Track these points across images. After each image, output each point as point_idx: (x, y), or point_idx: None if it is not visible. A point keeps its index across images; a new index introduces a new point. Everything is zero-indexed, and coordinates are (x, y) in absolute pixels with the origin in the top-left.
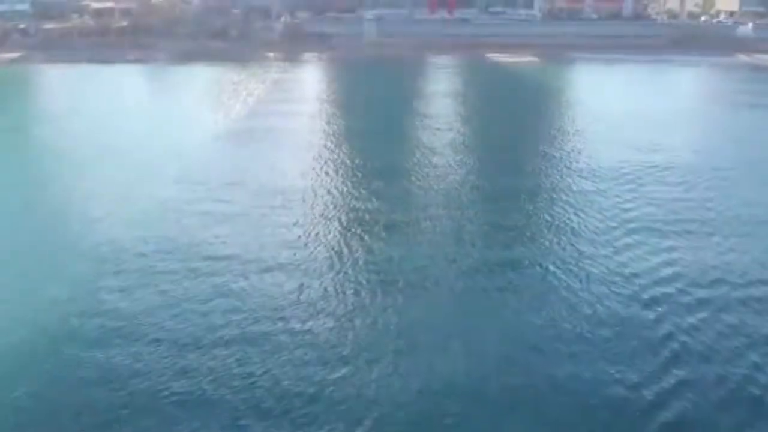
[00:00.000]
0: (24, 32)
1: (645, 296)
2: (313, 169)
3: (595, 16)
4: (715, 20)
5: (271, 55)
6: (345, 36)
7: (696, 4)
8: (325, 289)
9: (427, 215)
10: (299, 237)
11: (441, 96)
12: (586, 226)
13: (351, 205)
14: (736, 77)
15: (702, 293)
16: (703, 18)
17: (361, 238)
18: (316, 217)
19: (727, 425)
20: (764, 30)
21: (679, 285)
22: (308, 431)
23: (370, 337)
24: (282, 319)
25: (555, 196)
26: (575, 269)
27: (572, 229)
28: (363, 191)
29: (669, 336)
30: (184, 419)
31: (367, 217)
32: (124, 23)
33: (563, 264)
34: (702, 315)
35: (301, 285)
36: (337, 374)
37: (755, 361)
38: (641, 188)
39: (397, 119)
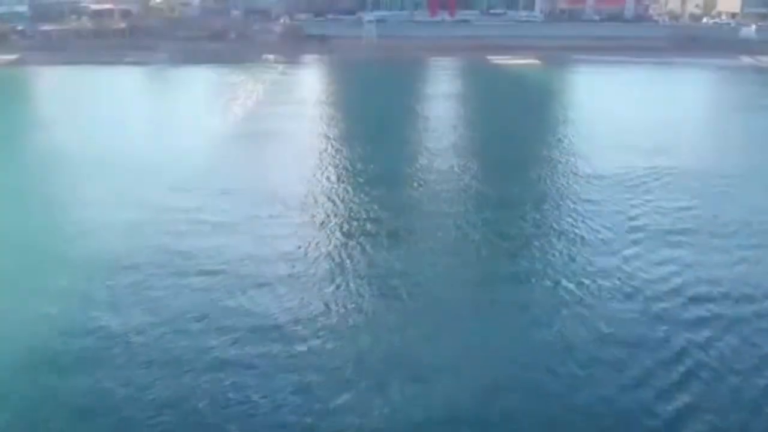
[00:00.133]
0: (22, 34)
1: (656, 309)
2: (314, 175)
3: (596, 17)
4: (712, 21)
5: (271, 56)
6: (345, 38)
7: (697, 6)
8: (326, 306)
9: (430, 224)
10: (298, 247)
11: (442, 99)
12: (593, 235)
13: (351, 213)
14: (741, 80)
15: (714, 306)
16: (704, 19)
17: (363, 249)
18: (315, 227)
19: None
20: (767, 32)
21: (690, 297)
22: None
23: (373, 358)
24: (280, 338)
25: (561, 202)
26: (584, 281)
27: (581, 238)
28: (364, 198)
29: (682, 352)
30: None
31: (368, 225)
32: (123, 25)
33: (572, 275)
34: (715, 329)
35: (301, 300)
36: (339, 401)
37: None
38: (649, 194)
39: (398, 123)
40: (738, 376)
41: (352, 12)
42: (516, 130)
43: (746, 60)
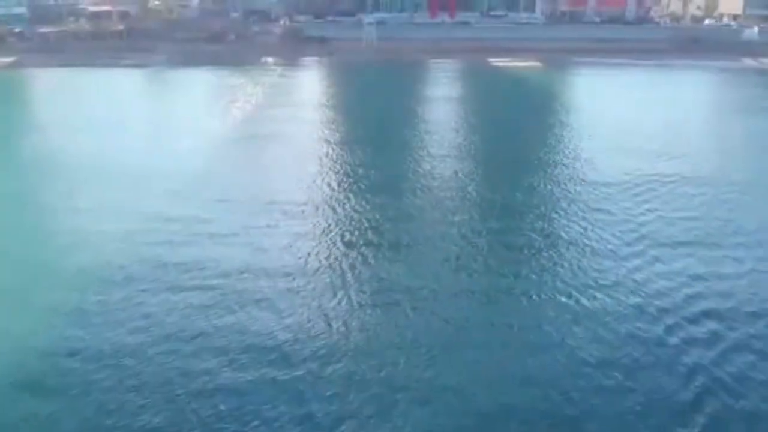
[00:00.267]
0: (20, 36)
1: (669, 322)
2: (313, 181)
3: (597, 19)
4: (712, 22)
5: (270, 58)
6: (345, 40)
7: (698, 7)
8: (327, 323)
9: (433, 233)
10: (298, 258)
11: (443, 102)
12: (602, 245)
13: (352, 222)
14: (744, 82)
15: (728, 319)
16: (707, 21)
17: (365, 261)
18: (315, 237)
19: None
20: None
21: (703, 308)
22: None
23: (376, 381)
24: (279, 359)
25: (567, 210)
26: (594, 294)
27: (589, 248)
28: (365, 205)
29: (697, 368)
30: None
31: (369, 235)
32: (121, 27)
33: (581, 288)
34: (730, 343)
35: (300, 317)
36: (342, 429)
37: None
38: (656, 200)
39: (399, 126)
40: (756, 392)
41: (351, 14)
42: (518, 134)
43: (749, 62)
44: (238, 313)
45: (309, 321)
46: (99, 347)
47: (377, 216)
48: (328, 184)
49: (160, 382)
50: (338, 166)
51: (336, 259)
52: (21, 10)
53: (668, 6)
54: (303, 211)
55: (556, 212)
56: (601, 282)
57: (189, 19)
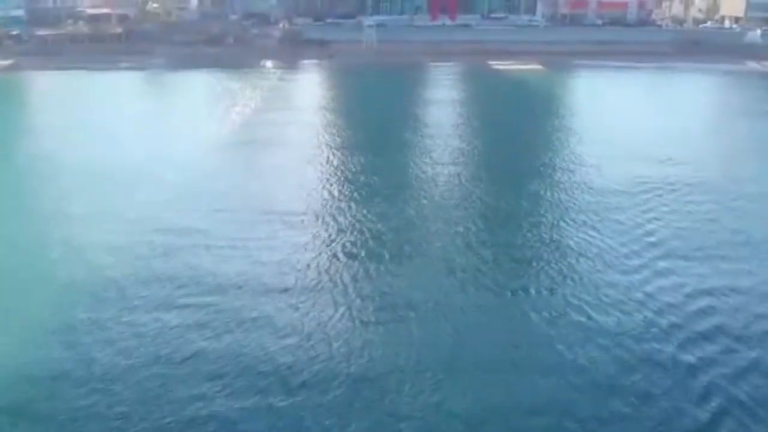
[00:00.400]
0: (17, 39)
1: (681, 338)
2: (313, 188)
3: (599, 22)
4: (711, 24)
5: (269, 61)
6: (345, 42)
7: (700, 10)
8: (328, 344)
9: (437, 243)
10: (296, 273)
11: (444, 106)
12: (610, 255)
13: (354, 232)
14: (748, 85)
15: (742, 335)
16: (708, 23)
17: (367, 274)
18: (315, 248)
19: None
20: None
21: (716, 324)
22: None
23: (382, 409)
24: (278, 384)
25: (574, 217)
26: (605, 309)
27: (599, 258)
28: (365, 213)
29: (711, 388)
30: None
31: (372, 245)
32: (119, 29)
33: (592, 303)
34: (745, 362)
35: (300, 337)
36: None
37: None
38: (664, 207)
39: (400, 130)
40: None
41: (351, 16)
42: (521, 139)
43: (752, 65)
44: (234, 333)
45: (308, 342)
46: (87, 369)
47: (379, 226)
48: (328, 191)
49: (149, 409)
50: (338, 172)
51: (336, 272)
52: (19, 12)
53: (670, 8)
54: (302, 222)
55: (563, 221)
56: (612, 296)
57: (188, 21)
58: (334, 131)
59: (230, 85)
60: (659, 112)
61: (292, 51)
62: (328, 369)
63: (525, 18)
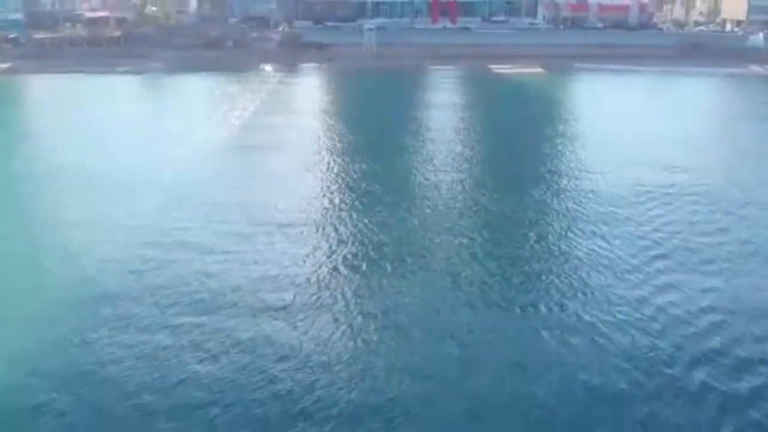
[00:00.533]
0: (15, 42)
1: (693, 354)
2: (312, 195)
3: (600, 25)
4: (710, 27)
5: (269, 65)
6: (345, 46)
7: (701, 13)
8: (330, 369)
9: (440, 252)
10: (295, 287)
11: (444, 110)
12: (618, 265)
13: (353, 241)
14: (752, 89)
15: (755, 348)
16: (710, 26)
17: (369, 287)
18: (314, 259)
19: None
20: None
21: (728, 338)
22: None
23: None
24: (277, 411)
25: (580, 225)
26: (615, 322)
27: (608, 269)
28: (366, 222)
29: (727, 408)
30: None
31: (371, 256)
32: (118, 33)
33: (603, 316)
34: (760, 375)
35: (298, 359)
36: None
37: None
38: (673, 215)
39: (400, 135)
40: None
41: (351, 19)
42: (524, 144)
43: (755, 69)
44: (231, 354)
45: (307, 364)
46: (67, 399)
47: (380, 236)
48: (328, 199)
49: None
50: (338, 179)
51: (336, 287)
52: (17, 15)
53: (672, 11)
54: (301, 233)
55: (569, 229)
56: (621, 308)
57: (187, 25)
58: (334, 136)
59: (229, 89)
60: (662, 116)
61: (292, 54)
62: (329, 395)
63: (526, 21)
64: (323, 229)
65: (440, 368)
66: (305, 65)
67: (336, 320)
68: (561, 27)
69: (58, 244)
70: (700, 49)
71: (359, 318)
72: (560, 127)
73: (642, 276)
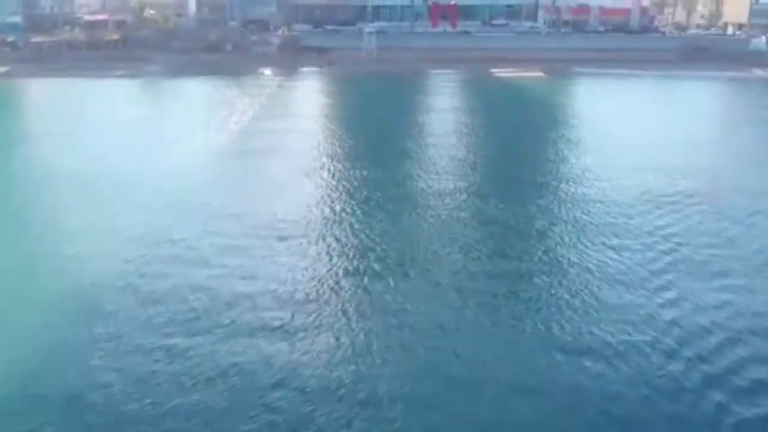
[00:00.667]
0: (13, 45)
1: (705, 370)
2: (312, 201)
3: (601, 28)
4: (709, 31)
5: (268, 69)
6: (344, 49)
7: (702, 17)
8: (331, 392)
9: (441, 260)
10: (295, 301)
11: (445, 114)
12: (625, 274)
13: (353, 249)
14: (755, 93)
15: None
16: (712, 29)
17: (368, 294)
18: (314, 270)
19: None
20: None
21: (736, 345)
22: None
23: None
24: (272, 424)
25: (586, 233)
26: (621, 335)
27: (614, 278)
28: (366, 229)
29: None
30: None
31: (371, 264)
32: (116, 36)
33: (607, 328)
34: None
35: (297, 371)
36: None
37: None
38: (679, 224)
39: (401, 140)
40: None
41: (351, 23)
42: (525, 149)
43: (758, 72)
44: (229, 371)
45: (307, 385)
46: (63, 406)
47: (381, 245)
48: (328, 206)
49: None
50: (338, 185)
51: (337, 299)
52: (16, 19)
53: (673, 15)
54: (300, 243)
55: (574, 236)
56: (631, 325)
57: (186, 28)
58: (334, 140)
59: (228, 93)
60: (665, 121)
61: (292, 58)
62: (329, 423)
63: (526, 25)
64: (323, 239)
65: (445, 392)
66: (305, 69)
67: (337, 339)
68: (562, 31)
69: (51, 254)
70: (702, 53)
71: (361, 336)
72: (562, 132)
73: (652, 289)
